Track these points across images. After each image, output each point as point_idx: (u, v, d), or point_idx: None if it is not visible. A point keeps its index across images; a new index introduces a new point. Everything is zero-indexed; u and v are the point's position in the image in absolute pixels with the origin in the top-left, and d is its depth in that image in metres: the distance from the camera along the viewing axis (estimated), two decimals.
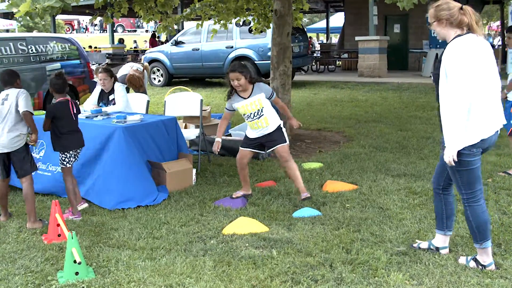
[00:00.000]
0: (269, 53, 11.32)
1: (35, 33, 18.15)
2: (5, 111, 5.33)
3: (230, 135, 8.82)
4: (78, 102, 10.49)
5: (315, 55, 25.38)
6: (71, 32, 50.08)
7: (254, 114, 5.69)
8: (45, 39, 12.13)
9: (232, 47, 17.44)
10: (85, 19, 52.28)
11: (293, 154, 8.07)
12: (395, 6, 6.67)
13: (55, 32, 26.97)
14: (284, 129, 5.84)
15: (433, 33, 18.15)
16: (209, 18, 10.76)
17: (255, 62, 17.03)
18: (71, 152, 5.49)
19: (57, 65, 11.87)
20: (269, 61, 9.30)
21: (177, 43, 18.65)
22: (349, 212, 5.44)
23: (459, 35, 3.87)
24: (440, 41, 18.01)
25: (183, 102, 8.05)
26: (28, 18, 6.39)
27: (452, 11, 3.87)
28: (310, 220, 5.26)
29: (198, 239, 4.86)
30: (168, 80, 19.09)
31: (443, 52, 3.89)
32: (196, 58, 18.24)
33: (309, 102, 14.13)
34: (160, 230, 5.10)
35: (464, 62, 3.73)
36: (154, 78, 19.22)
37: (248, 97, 5.67)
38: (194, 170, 6.73)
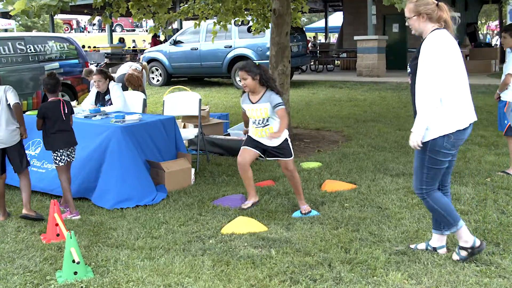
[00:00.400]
0: (268, 53, 11.33)
1: (33, 33, 18.12)
2: None
3: (228, 134, 8.83)
4: (77, 101, 10.49)
5: (318, 54, 25.32)
6: (69, 32, 50.02)
7: (259, 121, 5.43)
8: (43, 38, 12.12)
9: (230, 46, 17.44)
10: (83, 19, 52.21)
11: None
12: (393, 6, 6.67)
13: (53, 31, 26.94)
14: (289, 141, 5.53)
15: None
16: (207, 18, 10.75)
17: (254, 61, 17.00)
18: (61, 151, 5.53)
19: (56, 64, 11.87)
20: (268, 61, 9.31)
21: (175, 43, 18.63)
22: (348, 212, 5.44)
23: (436, 29, 3.95)
24: None
25: (182, 102, 8.05)
26: (26, 17, 6.39)
27: (432, 6, 3.97)
28: (309, 219, 5.26)
29: (196, 238, 4.86)
30: (166, 80, 19.07)
31: (422, 43, 3.95)
32: (195, 57, 18.23)
33: (308, 101, 14.13)
34: (159, 229, 5.10)
35: (443, 54, 3.84)
36: (153, 78, 19.21)
37: (256, 103, 5.40)
38: (193, 170, 6.73)
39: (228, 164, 7.56)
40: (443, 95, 3.87)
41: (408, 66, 4.15)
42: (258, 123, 5.44)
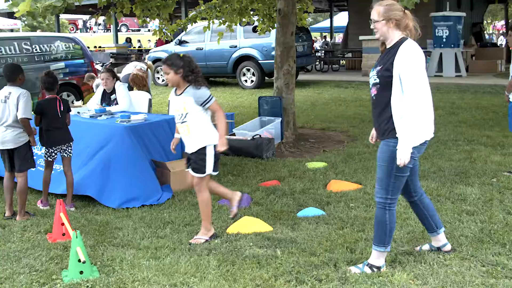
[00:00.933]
0: (273, 53, 11.33)
1: (39, 33, 18.17)
2: (7, 109, 5.47)
3: (234, 134, 8.83)
4: (82, 101, 10.52)
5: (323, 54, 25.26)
6: (75, 32, 50.12)
7: (178, 116, 4.81)
8: (49, 38, 12.15)
9: (236, 46, 17.44)
10: (88, 19, 52.27)
11: (297, 154, 8.11)
12: None
13: (59, 31, 27.00)
14: (211, 155, 4.75)
15: (437, 32, 18.15)
16: (213, 19, 10.76)
17: (259, 61, 17.04)
18: (54, 148, 5.75)
19: (61, 64, 11.90)
20: (273, 61, 9.31)
21: (181, 43, 18.64)
22: (353, 212, 5.44)
23: (405, 38, 3.89)
24: (444, 40, 18.07)
25: None
26: (31, 18, 6.43)
27: (401, 13, 3.90)
28: (314, 219, 5.25)
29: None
30: None
31: (392, 54, 3.85)
32: (200, 57, 18.20)
33: (313, 101, 14.13)
34: (164, 229, 5.11)
35: (420, 65, 3.80)
36: (158, 78, 19.22)
37: (179, 95, 4.83)
38: None
39: (233, 164, 7.56)
40: (425, 105, 3.83)
41: (373, 75, 4.00)
42: (178, 119, 4.84)
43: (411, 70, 3.76)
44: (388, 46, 3.98)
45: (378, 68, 3.97)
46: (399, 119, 3.81)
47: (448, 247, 4.37)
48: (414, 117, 3.76)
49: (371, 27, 4.01)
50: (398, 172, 3.93)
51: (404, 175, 3.98)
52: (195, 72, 4.81)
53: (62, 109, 5.74)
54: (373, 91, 4.00)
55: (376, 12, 3.93)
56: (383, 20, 3.90)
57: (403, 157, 3.79)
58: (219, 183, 6.58)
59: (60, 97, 5.90)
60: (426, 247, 4.44)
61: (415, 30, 3.94)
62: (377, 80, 3.95)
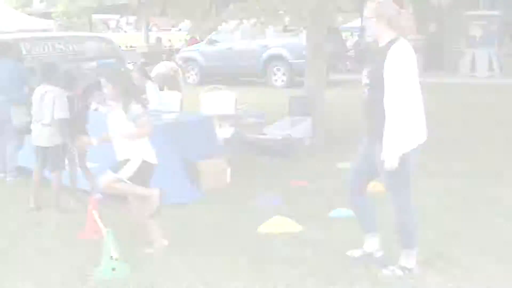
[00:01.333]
0: (303, 52, 11.28)
1: (72, 32, 18.41)
2: (44, 108, 5.52)
3: (264, 134, 8.81)
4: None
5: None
6: (107, 31, 50.67)
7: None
8: (82, 38, 12.30)
9: (266, 46, 17.42)
10: (119, 19, 52.74)
11: (328, 154, 8.06)
12: (430, 4, 6.58)
13: (91, 31, 27.35)
14: (132, 165, 4.60)
15: (471, 31, 17.86)
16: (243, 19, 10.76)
17: (289, 61, 17.00)
18: (72, 144, 5.80)
19: (94, 64, 12.03)
20: (304, 60, 9.28)
21: (211, 42, 18.71)
22: (386, 213, 5.37)
23: (396, 38, 3.78)
24: (478, 39, 17.77)
25: (218, 101, 8.08)
26: (65, 17, 6.55)
27: (394, 12, 3.77)
28: (346, 220, 5.20)
29: (233, 238, 4.86)
30: (202, 79, 19.16)
31: (383, 54, 3.76)
32: (230, 56, 18.27)
33: (344, 100, 14.02)
34: (195, 228, 5.12)
35: (410, 67, 3.71)
36: (189, 77, 19.31)
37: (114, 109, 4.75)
38: (229, 170, 6.74)
39: (263, 163, 7.54)
40: (416, 107, 3.77)
41: (364, 76, 3.95)
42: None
43: (400, 72, 3.68)
44: (380, 45, 3.88)
45: (369, 68, 3.91)
46: (390, 117, 3.74)
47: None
48: (401, 121, 3.69)
49: (363, 24, 3.93)
50: (403, 170, 3.84)
51: (406, 173, 3.87)
52: (131, 89, 4.67)
53: (79, 107, 5.81)
54: (365, 92, 3.97)
55: (369, 9, 3.86)
56: (374, 17, 3.82)
57: (390, 161, 3.74)
58: (250, 183, 6.59)
59: (81, 95, 5.98)
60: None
61: (409, 30, 3.83)
62: (367, 81, 3.91)
